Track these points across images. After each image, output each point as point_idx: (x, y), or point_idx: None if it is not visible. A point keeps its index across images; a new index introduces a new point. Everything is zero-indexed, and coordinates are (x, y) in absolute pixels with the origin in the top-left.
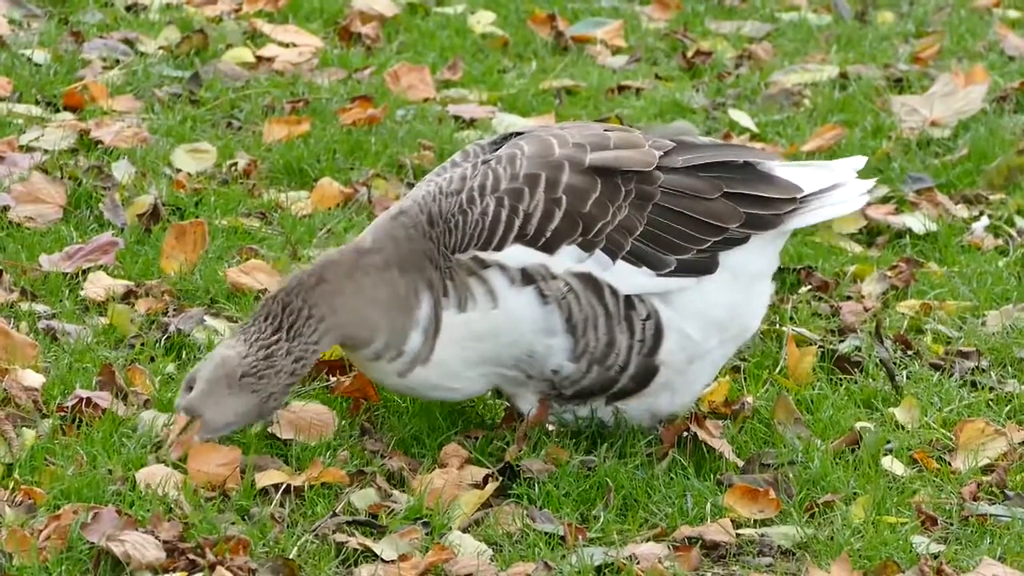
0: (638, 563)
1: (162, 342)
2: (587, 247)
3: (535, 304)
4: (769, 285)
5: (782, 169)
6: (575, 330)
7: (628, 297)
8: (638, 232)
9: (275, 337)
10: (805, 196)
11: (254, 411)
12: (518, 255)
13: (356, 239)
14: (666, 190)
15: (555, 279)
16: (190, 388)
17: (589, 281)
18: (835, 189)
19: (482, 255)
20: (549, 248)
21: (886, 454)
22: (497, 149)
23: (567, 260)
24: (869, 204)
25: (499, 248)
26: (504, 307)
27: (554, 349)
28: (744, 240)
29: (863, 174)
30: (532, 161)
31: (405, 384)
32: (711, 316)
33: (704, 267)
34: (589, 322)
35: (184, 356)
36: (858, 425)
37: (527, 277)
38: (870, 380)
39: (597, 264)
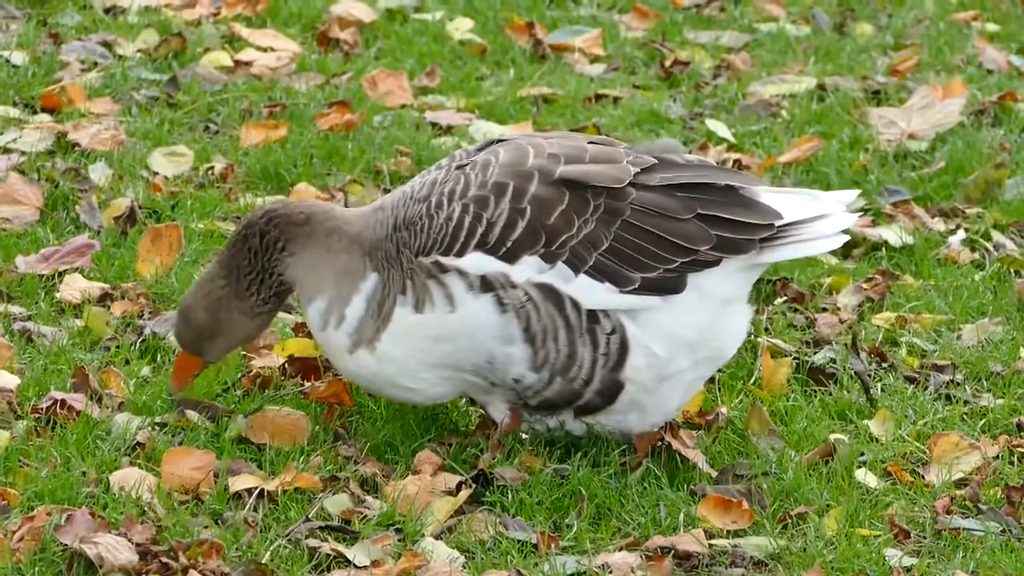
0: (610, 572)
1: (137, 345)
2: (549, 259)
3: (492, 311)
4: (746, 311)
5: (766, 195)
6: (534, 340)
7: (592, 311)
8: (603, 247)
9: (252, 267)
10: (784, 224)
11: (248, 334)
12: (478, 262)
13: (341, 210)
14: (636, 207)
15: (514, 288)
16: (201, 335)
17: (550, 293)
18: (816, 220)
19: (443, 260)
20: (510, 257)
21: (860, 466)
22: (478, 155)
23: (528, 270)
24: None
25: (460, 254)
26: (461, 312)
27: (513, 358)
28: (715, 263)
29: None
30: (503, 170)
31: (362, 373)
32: (679, 336)
33: (671, 287)
34: (548, 333)
35: (159, 359)
36: (832, 437)
37: (486, 284)
38: (844, 392)
39: (559, 276)
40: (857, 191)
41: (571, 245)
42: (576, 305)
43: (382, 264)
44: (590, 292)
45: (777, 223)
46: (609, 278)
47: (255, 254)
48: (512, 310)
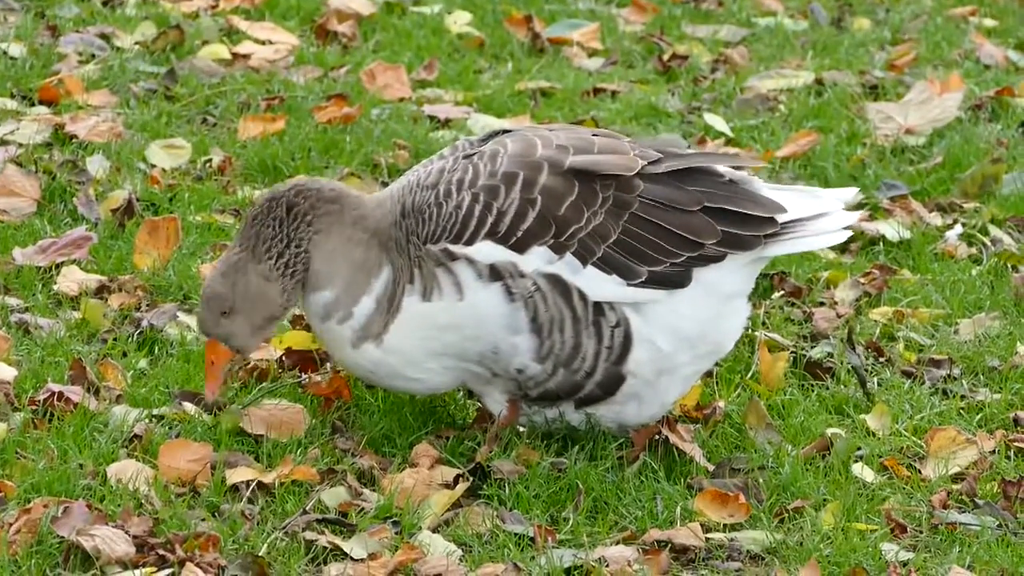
0: (607, 565)
1: (134, 337)
2: (558, 249)
3: (501, 300)
4: (745, 306)
5: (768, 191)
6: (540, 330)
7: (598, 303)
8: (612, 240)
9: (276, 234)
10: (787, 221)
11: (271, 307)
12: (488, 251)
13: (367, 199)
14: (644, 200)
15: (523, 277)
16: (222, 312)
17: (558, 283)
18: (819, 218)
19: (452, 247)
20: (520, 247)
21: (856, 461)
22: (484, 145)
23: (537, 260)
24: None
25: (470, 242)
26: (470, 300)
27: (519, 348)
28: (720, 258)
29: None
30: (513, 160)
31: (363, 363)
32: (682, 330)
33: (676, 281)
34: (555, 323)
35: (156, 351)
36: (829, 431)
37: (495, 273)
38: (841, 386)
39: (567, 267)
40: (856, 189)
41: (580, 236)
42: (583, 297)
43: (393, 254)
44: (597, 284)
45: (781, 218)
46: (616, 270)
47: (279, 223)
48: (520, 300)
